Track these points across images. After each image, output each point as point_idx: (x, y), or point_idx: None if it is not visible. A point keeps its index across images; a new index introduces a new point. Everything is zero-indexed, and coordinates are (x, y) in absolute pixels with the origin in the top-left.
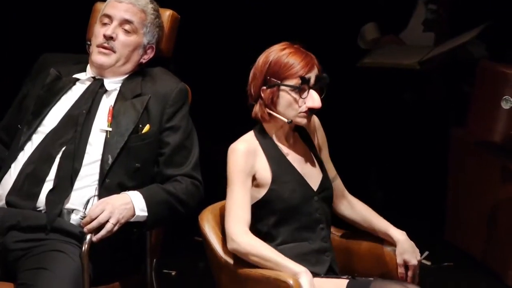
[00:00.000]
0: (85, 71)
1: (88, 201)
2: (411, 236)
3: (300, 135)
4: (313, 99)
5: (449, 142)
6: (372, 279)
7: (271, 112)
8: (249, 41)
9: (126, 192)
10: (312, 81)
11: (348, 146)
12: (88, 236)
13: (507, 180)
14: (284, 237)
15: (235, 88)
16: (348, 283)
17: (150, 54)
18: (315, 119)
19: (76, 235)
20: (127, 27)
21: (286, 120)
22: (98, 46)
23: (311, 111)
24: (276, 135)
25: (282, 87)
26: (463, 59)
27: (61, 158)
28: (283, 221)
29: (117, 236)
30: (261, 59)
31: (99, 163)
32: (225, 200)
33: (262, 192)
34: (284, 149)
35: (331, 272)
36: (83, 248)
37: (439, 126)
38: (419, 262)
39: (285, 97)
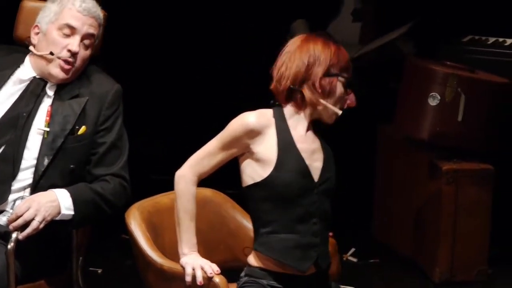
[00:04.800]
0: (18, 64)
1: (15, 201)
2: (338, 233)
3: (313, 127)
4: (352, 98)
5: (377, 139)
6: None
7: (322, 101)
8: (172, 36)
9: (53, 190)
10: None
11: None
12: (14, 234)
13: (434, 177)
14: (276, 226)
15: (162, 83)
16: None
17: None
18: None
19: (1, 233)
20: (87, 42)
21: (339, 112)
22: (61, 59)
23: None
24: (292, 122)
25: (340, 79)
26: (392, 56)
27: None
28: (278, 209)
29: (43, 234)
30: (319, 46)
31: (34, 166)
32: (151, 197)
33: (264, 172)
34: (296, 137)
35: (318, 269)
36: (9, 246)
37: (367, 123)
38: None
39: (340, 89)
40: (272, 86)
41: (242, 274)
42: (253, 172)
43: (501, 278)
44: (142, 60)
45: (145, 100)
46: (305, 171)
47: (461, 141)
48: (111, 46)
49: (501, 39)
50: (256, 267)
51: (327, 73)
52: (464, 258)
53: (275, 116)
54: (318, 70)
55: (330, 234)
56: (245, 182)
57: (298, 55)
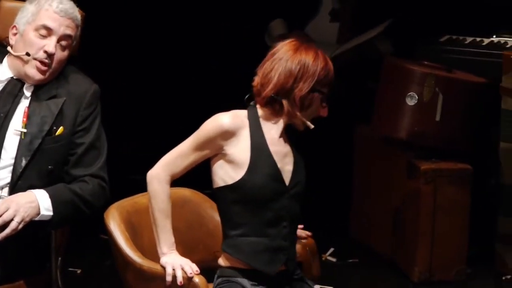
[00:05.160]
0: None
1: None
2: (317, 233)
3: (286, 132)
4: (326, 109)
5: (354, 139)
6: None
7: (299, 114)
8: (148, 36)
9: (32, 191)
10: None
11: None
12: None
13: (413, 177)
14: (245, 229)
15: (140, 83)
16: None
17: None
18: None
19: None
20: (64, 43)
21: (311, 127)
22: (37, 60)
23: None
24: (267, 124)
25: (318, 94)
26: (370, 55)
27: None
28: (249, 212)
29: (22, 235)
30: (310, 59)
31: (12, 166)
32: (130, 197)
33: (236, 175)
34: (270, 140)
35: (286, 271)
36: None
37: (345, 123)
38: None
39: (316, 105)
40: (255, 84)
41: (215, 276)
42: (225, 174)
43: (480, 277)
44: (120, 60)
45: (123, 100)
46: (277, 174)
47: (439, 141)
48: (90, 46)
49: (478, 39)
50: (227, 267)
51: (311, 89)
52: (443, 257)
53: (249, 117)
54: (304, 86)
55: (309, 234)
56: (216, 183)
57: (289, 66)
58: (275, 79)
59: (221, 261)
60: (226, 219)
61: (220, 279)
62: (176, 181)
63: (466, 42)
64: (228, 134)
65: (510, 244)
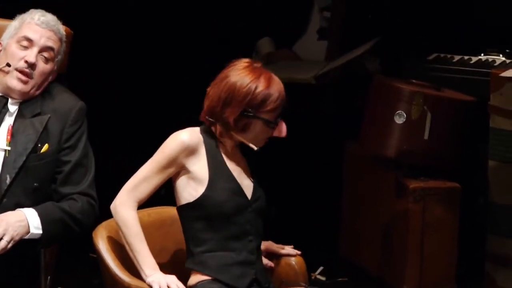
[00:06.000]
0: None
1: None
2: (305, 251)
3: (239, 147)
4: (281, 130)
5: (343, 157)
6: None
7: (238, 137)
8: (131, 55)
9: (21, 209)
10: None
11: None
12: None
13: (401, 195)
14: (211, 245)
15: (128, 102)
16: None
17: (53, 77)
18: None
19: None
20: (46, 54)
21: (255, 148)
22: (18, 70)
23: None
24: (220, 141)
25: (258, 120)
26: (358, 73)
27: None
28: (213, 228)
29: (12, 253)
30: (244, 83)
31: None
32: None
33: (197, 192)
34: (225, 155)
35: (256, 285)
36: None
37: (333, 141)
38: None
39: (258, 128)
40: None
41: None
42: (187, 193)
43: None
44: (110, 68)
45: (110, 118)
46: (238, 189)
47: (428, 159)
48: (79, 58)
49: (466, 57)
50: (197, 283)
51: (243, 114)
52: (431, 276)
53: (203, 133)
54: (233, 111)
55: (299, 252)
56: (179, 202)
57: (220, 89)
58: (208, 101)
59: (191, 280)
60: (190, 236)
61: None
62: (164, 200)
63: (454, 60)
64: (189, 150)
65: (499, 262)
